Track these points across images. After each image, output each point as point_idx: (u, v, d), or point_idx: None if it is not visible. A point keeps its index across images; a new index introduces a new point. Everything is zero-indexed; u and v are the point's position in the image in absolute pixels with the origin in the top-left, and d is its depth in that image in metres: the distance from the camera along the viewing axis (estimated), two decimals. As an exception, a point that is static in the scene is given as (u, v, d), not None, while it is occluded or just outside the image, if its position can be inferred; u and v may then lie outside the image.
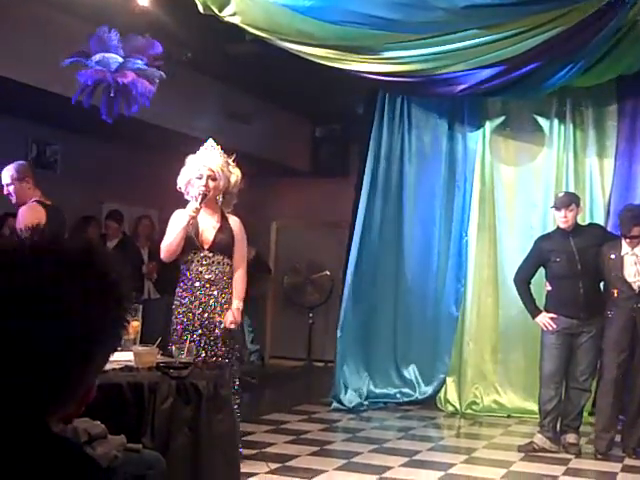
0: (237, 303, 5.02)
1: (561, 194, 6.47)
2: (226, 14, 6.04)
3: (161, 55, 5.42)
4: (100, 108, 5.25)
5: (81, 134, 8.45)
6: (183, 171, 5.04)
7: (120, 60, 5.21)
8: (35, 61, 6.42)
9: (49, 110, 7.26)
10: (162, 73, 5.35)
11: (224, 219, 5.10)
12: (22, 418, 1.05)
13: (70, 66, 5.31)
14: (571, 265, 6.11)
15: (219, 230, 5.03)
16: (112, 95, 5.25)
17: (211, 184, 4.95)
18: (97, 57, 5.19)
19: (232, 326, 4.98)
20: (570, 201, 6.21)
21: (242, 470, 4.18)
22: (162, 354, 4.20)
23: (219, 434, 3.64)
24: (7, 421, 1.04)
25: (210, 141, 5.18)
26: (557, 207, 6.21)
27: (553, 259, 6.21)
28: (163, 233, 5.11)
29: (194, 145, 5.28)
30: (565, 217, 6.16)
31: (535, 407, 6.73)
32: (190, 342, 4.44)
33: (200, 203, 4.89)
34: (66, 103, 6.19)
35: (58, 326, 1.04)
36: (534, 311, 6.30)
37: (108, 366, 2.98)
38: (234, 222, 5.13)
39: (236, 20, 6.12)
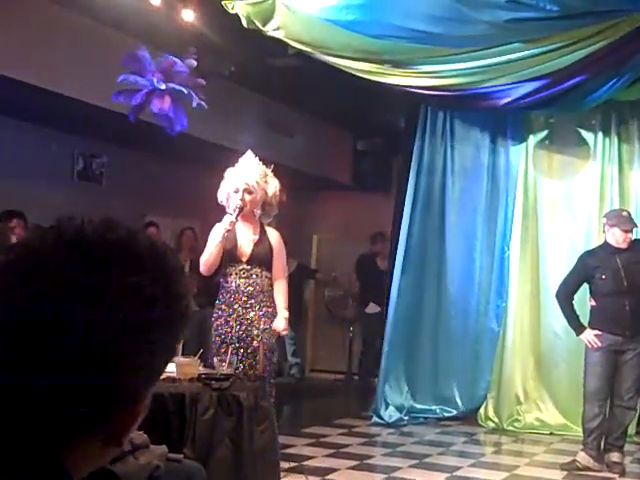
0: (284, 312, 5.03)
1: (625, 214, 6.29)
2: (270, 29, 6.10)
3: (194, 71, 5.51)
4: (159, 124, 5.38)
5: (126, 147, 8.58)
6: (222, 184, 5.10)
7: (143, 81, 5.30)
8: (83, 75, 6.54)
9: (96, 123, 7.38)
10: (182, 89, 5.39)
11: (262, 232, 5.12)
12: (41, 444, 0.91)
13: (116, 81, 5.42)
14: (617, 282, 6.03)
15: (257, 243, 5.05)
16: (155, 112, 5.35)
17: (247, 198, 4.98)
18: (123, 78, 5.29)
19: (284, 333, 5.05)
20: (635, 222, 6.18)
21: (282, 483, 4.19)
22: (203, 366, 4.23)
23: (260, 446, 3.65)
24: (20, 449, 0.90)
25: (248, 153, 5.21)
26: (625, 229, 6.09)
27: (598, 276, 6.12)
28: (204, 245, 5.16)
29: (236, 158, 5.32)
30: (631, 237, 6.09)
31: (578, 425, 6.64)
32: (231, 354, 4.47)
33: (236, 217, 4.93)
34: (112, 116, 6.31)
35: (102, 324, 0.92)
36: (578, 327, 6.21)
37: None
38: (272, 235, 5.15)
39: (279, 34, 6.17)
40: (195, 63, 5.49)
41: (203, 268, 5.05)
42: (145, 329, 0.94)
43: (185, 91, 5.38)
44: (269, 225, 5.25)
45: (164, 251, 1.02)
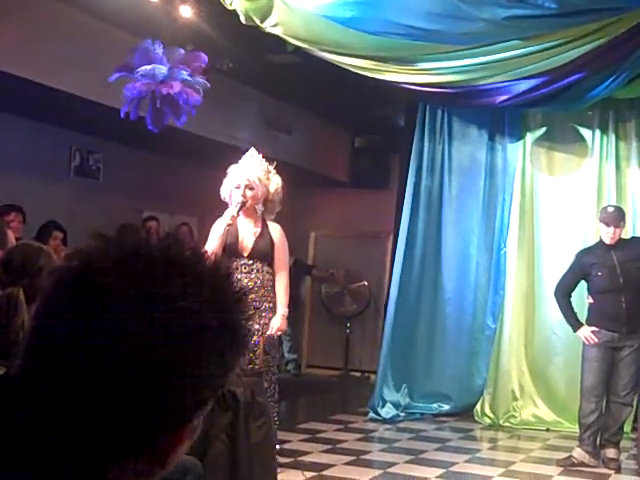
0: (282, 309, 5.05)
1: (610, 209, 6.31)
2: (268, 25, 6.10)
3: (205, 66, 5.53)
4: (146, 119, 5.34)
5: (123, 143, 8.57)
6: (225, 181, 5.14)
7: (165, 71, 5.31)
8: (79, 71, 6.52)
9: (93, 119, 7.38)
10: (206, 82, 5.46)
11: (264, 227, 5.15)
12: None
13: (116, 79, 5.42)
14: (613, 279, 6.04)
15: (258, 237, 5.09)
16: (158, 106, 5.35)
17: (249, 193, 5.03)
18: (143, 69, 5.29)
19: (279, 333, 5.03)
20: (621, 218, 6.15)
21: (278, 478, 4.19)
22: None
23: (256, 441, 3.66)
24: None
25: (251, 150, 5.25)
26: (607, 223, 6.11)
27: (594, 273, 6.14)
28: (202, 241, 5.17)
29: (234, 154, 5.33)
30: (614, 234, 6.07)
31: (574, 421, 6.65)
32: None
33: (237, 212, 4.98)
34: (109, 112, 6.31)
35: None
36: (575, 324, 6.23)
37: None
38: (274, 229, 5.18)
39: (278, 31, 6.17)
40: (206, 59, 5.54)
41: None
42: (194, 356, 0.89)
43: (203, 84, 5.42)
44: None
45: (227, 276, 0.98)
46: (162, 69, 5.31)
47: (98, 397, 0.87)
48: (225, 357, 0.93)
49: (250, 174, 5.04)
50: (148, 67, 5.28)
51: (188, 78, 5.37)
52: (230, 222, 4.96)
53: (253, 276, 5.03)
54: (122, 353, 0.87)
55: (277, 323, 5.00)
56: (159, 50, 5.37)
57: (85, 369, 0.87)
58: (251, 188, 5.04)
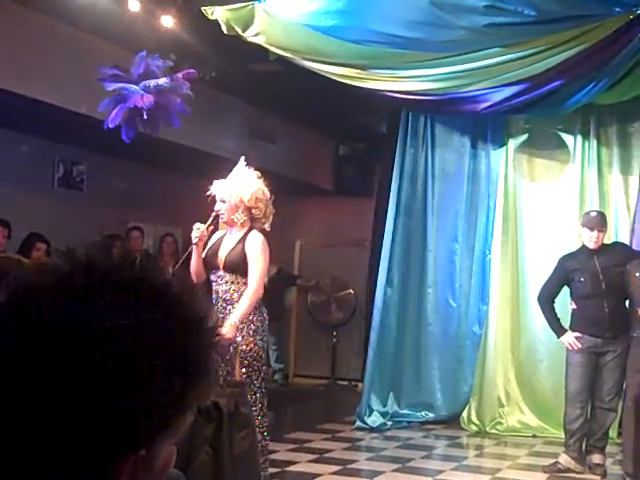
0: (233, 318, 4.85)
1: (593, 214, 6.37)
2: (249, 34, 6.11)
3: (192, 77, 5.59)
4: (122, 128, 5.36)
5: (107, 154, 8.55)
6: None
7: (167, 84, 5.35)
8: (62, 82, 6.51)
9: (76, 130, 7.36)
10: (190, 93, 5.52)
11: (244, 237, 5.08)
12: None
13: (97, 86, 5.41)
14: (595, 284, 6.06)
15: (231, 249, 5.06)
16: (146, 118, 5.36)
17: (221, 206, 5.05)
18: (149, 82, 5.32)
19: (225, 343, 4.72)
20: (604, 222, 6.19)
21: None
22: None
23: (240, 452, 3.64)
24: None
25: (240, 161, 5.24)
26: (590, 227, 6.14)
27: (577, 279, 6.16)
28: (184, 252, 5.19)
29: (218, 164, 5.33)
30: (597, 238, 6.10)
31: (560, 427, 6.66)
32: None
33: (208, 225, 5.02)
34: (93, 123, 6.30)
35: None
36: (559, 330, 6.25)
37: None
38: (251, 240, 5.06)
39: (259, 40, 6.18)
40: (196, 74, 5.60)
41: (192, 276, 5.13)
42: (123, 380, 0.85)
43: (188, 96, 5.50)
44: (261, 230, 5.19)
45: (178, 295, 0.93)
46: (162, 82, 5.36)
47: (27, 424, 0.83)
48: (171, 382, 0.87)
49: (221, 187, 5.08)
50: (152, 81, 5.32)
51: (186, 91, 5.45)
52: (198, 235, 5.00)
53: (227, 288, 5.02)
54: (51, 374, 0.84)
55: (223, 330, 4.86)
56: (155, 63, 5.41)
57: (13, 388, 0.84)
58: (222, 201, 5.07)
